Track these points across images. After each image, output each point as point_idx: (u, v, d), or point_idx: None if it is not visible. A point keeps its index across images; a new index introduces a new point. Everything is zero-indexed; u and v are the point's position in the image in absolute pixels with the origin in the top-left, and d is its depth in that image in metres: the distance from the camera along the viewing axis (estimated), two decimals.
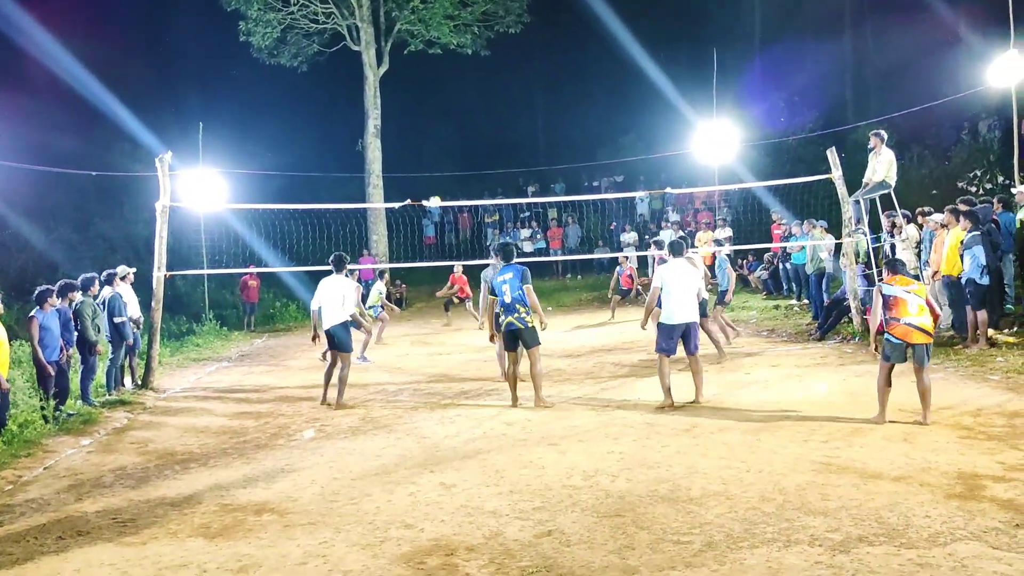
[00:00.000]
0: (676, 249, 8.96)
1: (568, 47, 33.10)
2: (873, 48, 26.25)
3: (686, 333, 8.74)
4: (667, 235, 21.41)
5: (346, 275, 9.89)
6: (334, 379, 9.89)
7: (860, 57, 26.92)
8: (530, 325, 8.72)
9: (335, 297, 9.63)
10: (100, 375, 11.00)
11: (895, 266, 7.64)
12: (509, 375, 9.10)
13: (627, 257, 18.79)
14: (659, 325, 8.75)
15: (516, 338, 8.84)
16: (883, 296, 7.39)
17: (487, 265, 10.39)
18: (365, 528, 5.40)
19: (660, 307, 8.76)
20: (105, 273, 11.47)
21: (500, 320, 8.87)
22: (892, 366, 7.40)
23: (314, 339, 9.96)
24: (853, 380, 9.51)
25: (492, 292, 9.04)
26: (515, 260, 9.05)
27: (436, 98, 33.53)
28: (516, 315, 8.70)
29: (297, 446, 7.92)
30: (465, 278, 18.01)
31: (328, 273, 9.87)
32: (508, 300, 8.73)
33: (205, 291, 19.71)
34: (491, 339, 9.82)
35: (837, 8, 27.17)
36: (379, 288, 15.50)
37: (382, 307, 15.37)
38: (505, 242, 8.80)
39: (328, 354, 10.11)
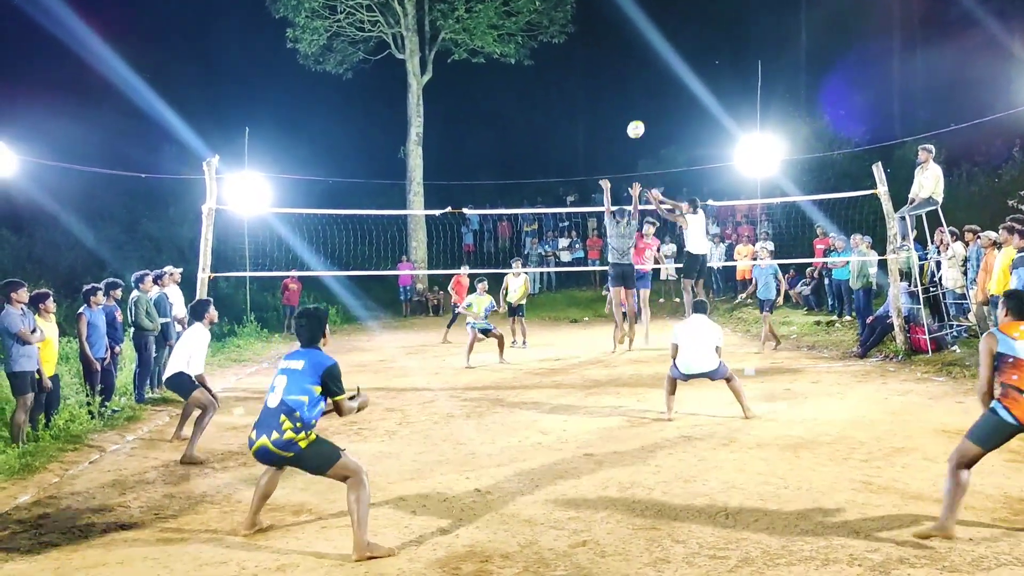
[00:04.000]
0: (699, 308, 9.19)
1: (610, 57, 33.05)
2: (922, 62, 25.83)
3: (705, 377, 8.80)
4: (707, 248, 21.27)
5: (208, 326, 8.28)
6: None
7: (909, 71, 26.52)
8: (303, 445, 5.10)
9: (181, 351, 8.11)
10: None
11: (1022, 305, 5.28)
12: (257, 488, 5.59)
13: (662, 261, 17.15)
14: (674, 363, 8.85)
15: (276, 464, 5.39)
16: (998, 354, 5.11)
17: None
18: (401, 532, 5.44)
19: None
20: (153, 273, 11.74)
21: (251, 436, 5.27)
22: (982, 454, 5.08)
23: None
24: (895, 399, 9.36)
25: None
26: (314, 345, 5.44)
27: (478, 107, 33.69)
28: (274, 435, 5.07)
29: None
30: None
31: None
32: (272, 404, 5.19)
33: (247, 293, 19.99)
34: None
35: (886, 21, 26.81)
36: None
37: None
38: (311, 311, 5.63)
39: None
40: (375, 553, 5.01)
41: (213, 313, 8.37)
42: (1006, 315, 5.30)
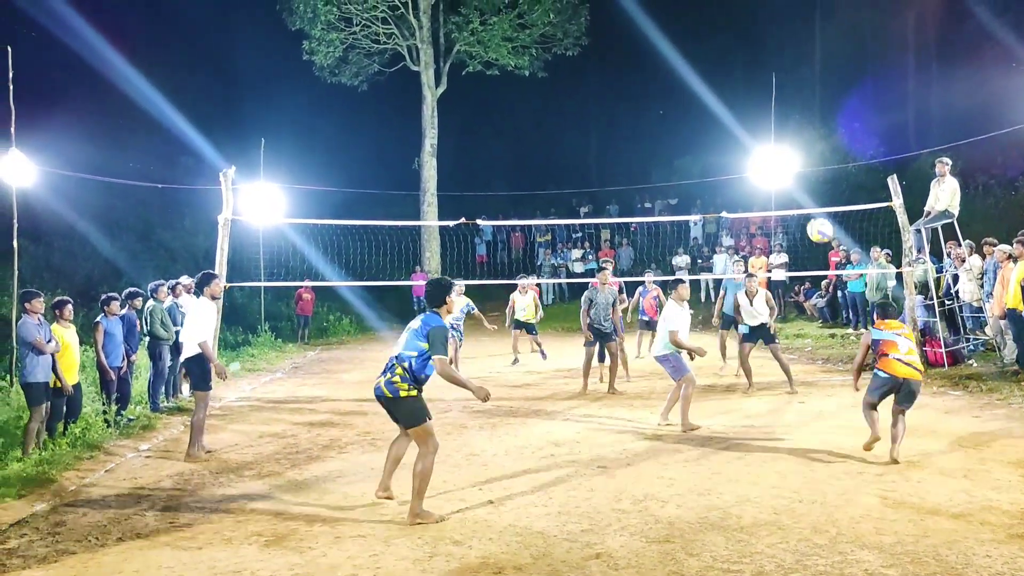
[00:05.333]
0: (671, 288, 9.42)
1: (625, 69, 33.10)
2: (938, 75, 25.72)
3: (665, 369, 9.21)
4: (721, 260, 21.23)
5: (212, 298, 8.37)
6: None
7: (924, 84, 26.39)
8: (403, 395, 5.94)
9: (190, 327, 8.26)
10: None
11: (886, 311, 7.79)
12: (390, 450, 6.44)
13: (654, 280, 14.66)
14: None
15: (384, 404, 6.12)
16: (872, 340, 7.53)
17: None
18: (414, 543, 5.45)
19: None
20: (168, 283, 11.82)
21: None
22: (877, 402, 7.49)
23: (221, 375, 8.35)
24: (910, 413, 9.27)
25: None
26: (435, 309, 6.15)
27: (492, 118, 33.83)
28: (387, 376, 5.99)
29: (348, 459, 8.02)
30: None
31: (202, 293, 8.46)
32: (393, 353, 6.12)
33: (261, 303, 20.09)
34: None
35: (901, 35, 26.73)
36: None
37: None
38: (438, 280, 6.47)
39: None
40: (425, 520, 5.87)
41: (216, 287, 8.40)
42: (878, 319, 7.75)
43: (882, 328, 7.49)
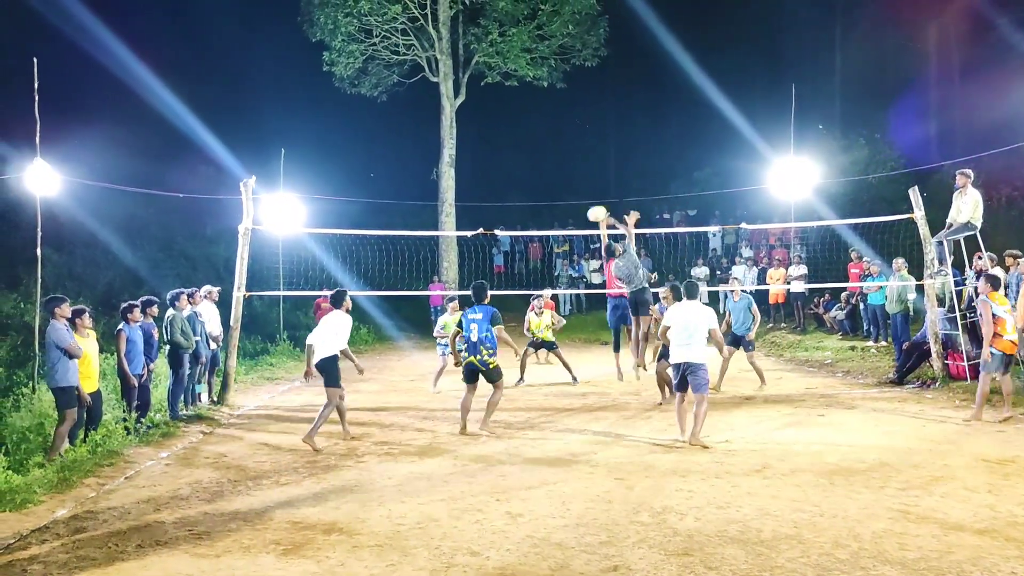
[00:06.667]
0: (688, 291, 8.89)
1: (643, 80, 33.10)
2: (960, 85, 25.53)
3: (686, 373, 8.69)
4: (740, 271, 21.13)
5: (346, 311, 9.72)
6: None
7: (946, 94, 26.22)
8: (492, 366, 9.25)
9: (327, 335, 9.41)
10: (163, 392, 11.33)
11: (997, 281, 9.30)
12: (463, 404, 9.54)
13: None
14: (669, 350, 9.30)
15: (476, 374, 9.34)
16: (994, 315, 9.05)
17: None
18: (431, 553, 5.44)
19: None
20: (187, 292, 11.90)
21: (464, 357, 9.48)
22: (994, 377, 9.21)
23: (306, 375, 9.49)
24: (932, 426, 9.20)
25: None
26: (486, 300, 9.46)
27: (511, 129, 33.87)
28: (479, 356, 9.21)
29: (365, 468, 8.03)
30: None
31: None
32: (474, 339, 9.23)
33: (280, 312, 20.16)
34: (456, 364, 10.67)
35: (922, 44, 26.58)
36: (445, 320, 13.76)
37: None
38: (478, 283, 9.61)
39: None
40: (490, 431, 9.39)
41: (348, 302, 9.82)
42: (988, 287, 9.34)
43: (995, 302, 9.07)
